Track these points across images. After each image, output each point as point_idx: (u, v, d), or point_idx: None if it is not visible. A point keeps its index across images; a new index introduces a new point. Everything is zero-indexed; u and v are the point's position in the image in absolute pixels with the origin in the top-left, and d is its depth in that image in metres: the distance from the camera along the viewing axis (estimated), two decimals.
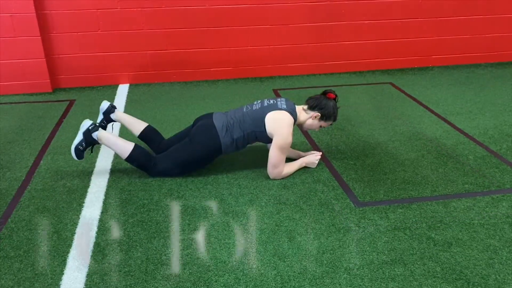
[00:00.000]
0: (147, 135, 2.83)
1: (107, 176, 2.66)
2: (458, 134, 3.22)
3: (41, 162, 2.82)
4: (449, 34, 4.64)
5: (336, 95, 2.66)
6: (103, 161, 2.81)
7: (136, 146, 2.57)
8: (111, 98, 3.92)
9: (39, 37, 3.84)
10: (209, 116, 2.66)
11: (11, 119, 3.47)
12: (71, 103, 3.82)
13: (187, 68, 4.31)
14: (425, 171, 2.73)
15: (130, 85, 4.23)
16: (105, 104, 2.85)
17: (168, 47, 4.17)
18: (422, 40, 4.61)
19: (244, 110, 2.62)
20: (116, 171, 2.71)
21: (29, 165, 2.78)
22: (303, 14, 4.26)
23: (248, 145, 2.67)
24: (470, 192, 2.51)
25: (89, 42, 4.01)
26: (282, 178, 2.63)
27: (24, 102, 3.83)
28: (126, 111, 3.63)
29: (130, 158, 2.57)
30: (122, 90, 4.11)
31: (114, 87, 4.18)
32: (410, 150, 2.99)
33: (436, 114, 3.57)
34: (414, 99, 3.90)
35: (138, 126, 2.84)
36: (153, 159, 2.59)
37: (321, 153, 2.81)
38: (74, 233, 2.16)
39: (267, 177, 2.63)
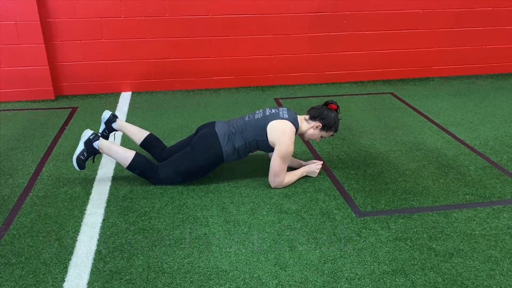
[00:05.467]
0: (149, 143, 2.84)
1: (109, 183, 2.66)
2: (459, 144, 3.23)
3: (43, 169, 2.83)
4: (450, 45, 4.67)
5: (337, 106, 2.68)
6: (105, 169, 2.82)
7: (137, 154, 2.58)
8: (114, 106, 3.94)
9: (43, 44, 3.86)
10: (211, 124, 2.67)
11: (14, 126, 3.48)
12: (74, 110, 3.83)
13: (189, 77, 4.33)
14: (426, 181, 2.73)
15: (133, 93, 4.25)
16: (106, 114, 2.87)
17: (171, 55, 4.20)
18: (422, 51, 4.64)
19: (246, 119, 2.64)
20: (117, 178, 2.72)
21: (31, 172, 2.79)
22: (305, 24, 4.29)
23: (250, 153, 2.68)
24: (471, 202, 2.52)
25: (92, 50, 4.04)
26: (284, 187, 2.63)
27: (27, 109, 3.84)
28: (128, 119, 3.65)
29: (131, 166, 2.57)
30: (125, 98, 4.13)
31: (117, 95, 4.20)
32: (411, 160, 3.00)
33: (436, 125, 3.58)
34: (415, 110, 3.92)
35: (139, 134, 2.85)
36: (154, 167, 2.60)
37: (322, 162, 2.82)
38: (76, 240, 2.16)
39: (269, 186, 2.64)
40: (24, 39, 3.82)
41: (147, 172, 2.59)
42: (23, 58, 3.89)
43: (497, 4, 4.56)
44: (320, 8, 4.25)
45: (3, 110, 3.83)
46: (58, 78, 4.10)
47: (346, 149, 3.15)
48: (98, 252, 2.08)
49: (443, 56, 4.71)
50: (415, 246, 2.14)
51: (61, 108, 3.89)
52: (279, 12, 4.20)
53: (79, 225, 2.27)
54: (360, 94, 4.31)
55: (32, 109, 3.86)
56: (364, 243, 2.16)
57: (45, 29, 3.88)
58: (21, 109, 3.84)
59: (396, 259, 2.06)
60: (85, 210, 2.40)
